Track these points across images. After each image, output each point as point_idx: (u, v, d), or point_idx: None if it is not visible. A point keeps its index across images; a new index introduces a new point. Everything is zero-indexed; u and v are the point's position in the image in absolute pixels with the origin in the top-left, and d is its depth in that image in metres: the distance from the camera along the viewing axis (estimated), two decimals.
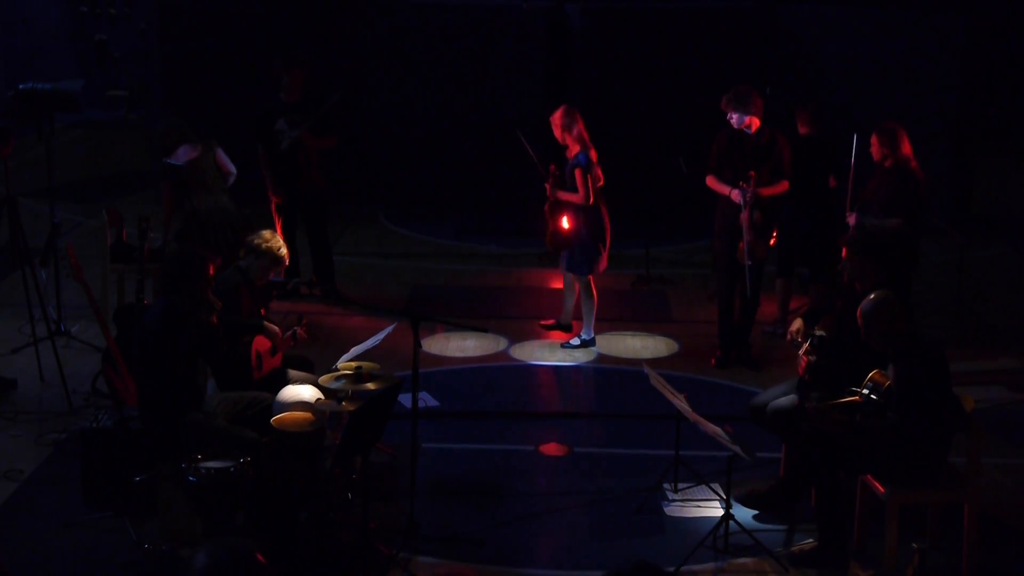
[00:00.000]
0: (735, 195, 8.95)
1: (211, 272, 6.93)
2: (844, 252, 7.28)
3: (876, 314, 6.50)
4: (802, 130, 9.80)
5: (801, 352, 7.21)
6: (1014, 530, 7.16)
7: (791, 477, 7.19)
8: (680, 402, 7.03)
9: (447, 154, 13.52)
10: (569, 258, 9.62)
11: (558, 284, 11.50)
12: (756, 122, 8.97)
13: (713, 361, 9.40)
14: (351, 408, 6.58)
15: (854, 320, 6.82)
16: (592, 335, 9.73)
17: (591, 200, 9.39)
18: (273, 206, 10.51)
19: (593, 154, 9.47)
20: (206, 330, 6.92)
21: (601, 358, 9.67)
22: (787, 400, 7.26)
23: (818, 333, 7.16)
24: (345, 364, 7.07)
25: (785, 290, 10.00)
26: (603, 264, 9.60)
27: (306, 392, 7.01)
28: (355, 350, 7.59)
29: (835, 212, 9.78)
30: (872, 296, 6.57)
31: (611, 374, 9.40)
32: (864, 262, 7.15)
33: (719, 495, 7.19)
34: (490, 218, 13.17)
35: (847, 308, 7.12)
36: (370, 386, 6.71)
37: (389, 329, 7.74)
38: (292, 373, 7.50)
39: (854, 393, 6.65)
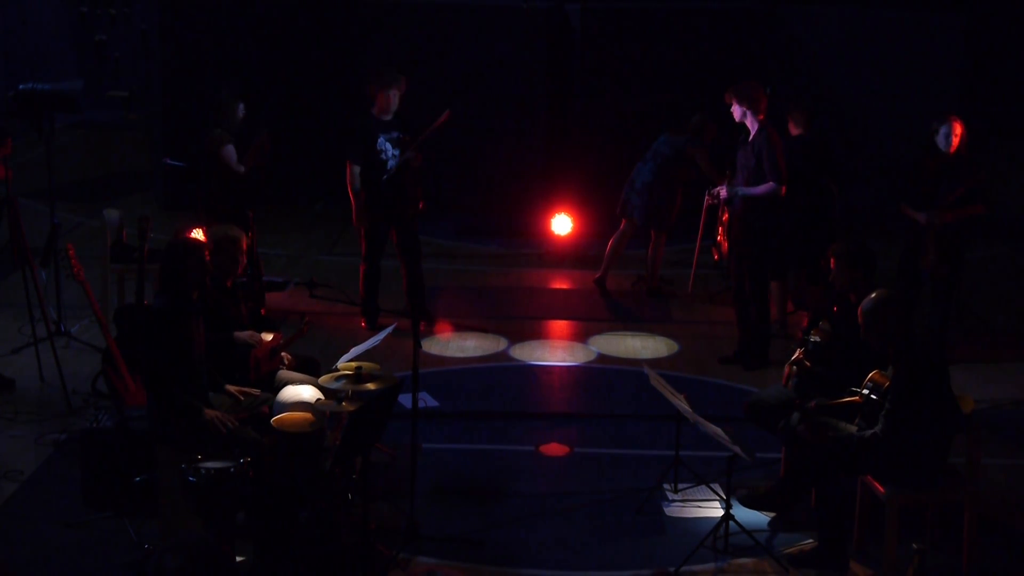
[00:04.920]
0: (707, 197, 9.31)
1: (207, 257, 6.94)
2: (832, 263, 7.30)
3: (876, 313, 6.50)
4: (794, 131, 9.81)
5: (791, 360, 7.23)
6: (1014, 530, 7.16)
7: (791, 477, 7.19)
8: (680, 402, 7.03)
9: (447, 154, 13.52)
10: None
11: (558, 284, 11.54)
12: (748, 117, 9.00)
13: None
14: (351, 408, 6.58)
15: (850, 326, 6.84)
16: None
17: None
18: (362, 231, 9.96)
19: None
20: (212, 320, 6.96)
21: (601, 358, 9.68)
22: (777, 392, 7.29)
23: (813, 339, 7.17)
24: (345, 364, 7.06)
25: (781, 292, 10.01)
26: None
27: (306, 392, 7.01)
28: (355, 350, 7.58)
29: (827, 214, 9.82)
30: (873, 295, 6.57)
31: (611, 374, 9.40)
32: (852, 272, 7.15)
33: (719, 495, 7.20)
34: (490, 218, 13.17)
35: (843, 315, 7.13)
36: (370, 386, 6.71)
37: (389, 329, 7.74)
38: (289, 374, 7.49)
39: (854, 393, 6.66)
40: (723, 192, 9.13)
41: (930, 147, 8.95)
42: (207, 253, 7.03)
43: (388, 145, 9.74)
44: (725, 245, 9.18)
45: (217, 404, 6.98)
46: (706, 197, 9.50)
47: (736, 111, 9.03)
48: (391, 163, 9.73)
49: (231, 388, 7.03)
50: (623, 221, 10.93)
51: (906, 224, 9.19)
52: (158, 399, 6.65)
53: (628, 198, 10.83)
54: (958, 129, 8.85)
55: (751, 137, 9.03)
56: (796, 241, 9.74)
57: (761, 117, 8.98)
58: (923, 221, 8.93)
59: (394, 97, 9.78)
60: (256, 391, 7.11)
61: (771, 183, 8.95)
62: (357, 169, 9.78)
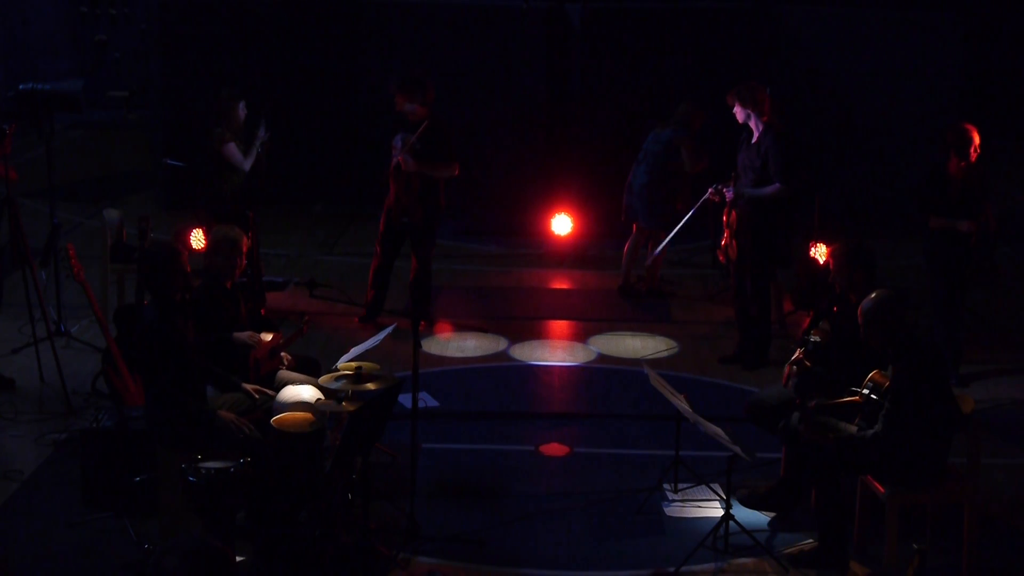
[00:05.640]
0: (710, 193, 9.33)
1: (186, 261, 6.94)
2: (832, 265, 7.30)
3: (876, 313, 6.50)
4: None
5: (791, 360, 7.23)
6: (1014, 530, 7.16)
7: (791, 477, 7.20)
8: (680, 402, 7.04)
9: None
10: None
11: (558, 284, 11.54)
12: (752, 119, 9.00)
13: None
14: (351, 408, 6.58)
15: (850, 326, 6.84)
16: None
17: None
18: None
19: None
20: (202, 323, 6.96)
21: (601, 358, 9.68)
22: (777, 392, 7.29)
23: (813, 339, 7.17)
24: (345, 364, 7.07)
25: (778, 292, 10.01)
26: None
27: (306, 392, 7.01)
28: (355, 350, 7.59)
29: (799, 212, 9.82)
30: (873, 295, 6.57)
31: (611, 374, 9.40)
32: (851, 272, 7.15)
33: (719, 495, 7.20)
34: (490, 218, 13.17)
35: (843, 315, 7.13)
36: (370, 386, 6.71)
37: (389, 329, 7.75)
38: (289, 374, 7.49)
39: (854, 393, 6.66)
40: (729, 194, 9.12)
41: (948, 157, 8.87)
42: (185, 257, 7.02)
43: (400, 143, 9.74)
44: (734, 247, 9.15)
45: (222, 402, 6.98)
46: (709, 191, 9.46)
47: (739, 113, 9.01)
48: (394, 160, 9.76)
49: (248, 387, 7.04)
50: (634, 226, 10.88)
51: (936, 236, 8.95)
52: (168, 408, 6.65)
53: (630, 203, 10.80)
54: (976, 138, 8.82)
55: (755, 138, 9.03)
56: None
57: (765, 118, 8.97)
58: (965, 229, 8.84)
59: (403, 105, 9.74)
60: (271, 391, 7.12)
61: (778, 184, 8.95)
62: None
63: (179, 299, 6.82)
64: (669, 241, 10.30)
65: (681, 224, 10.10)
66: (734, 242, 9.16)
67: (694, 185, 10.84)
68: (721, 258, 9.43)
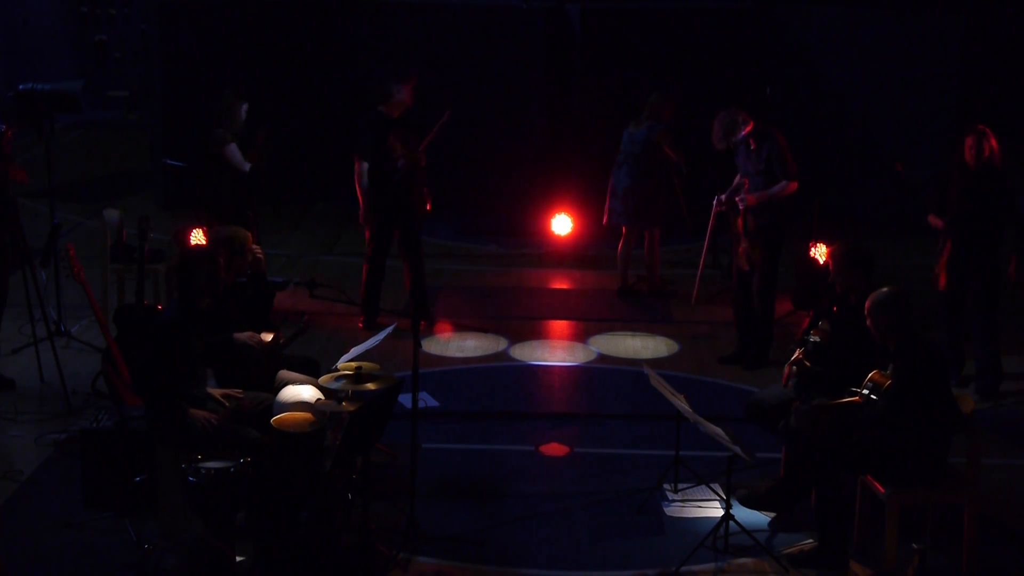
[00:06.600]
0: (716, 204, 9.46)
1: (223, 266, 6.98)
2: (832, 265, 7.31)
3: (885, 307, 6.51)
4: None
5: (791, 360, 7.22)
6: (1014, 530, 7.16)
7: (791, 477, 7.20)
8: (680, 402, 7.04)
9: (447, 154, 13.51)
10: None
11: (558, 284, 11.54)
12: (748, 129, 9.07)
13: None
14: (351, 408, 6.58)
15: (849, 326, 6.84)
16: None
17: None
18: (368, 231, 9.93)
19: None
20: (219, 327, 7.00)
21: (601, 358, 9.68)
22: (777, 392, 7.30)
23: (813, 339, 7.17)
24: (345, 364, 7.07)
25: None
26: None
27: (306, 392, 7.02)
28: (355, 350, 7.59)
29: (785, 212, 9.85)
30: (885, 289, 6.58)
31: (611, 374, 9.40)
32: (851, 272, 7.15)
33: (719, 495, 7.20)
34: (490, 218, 13.17)
35: (842, 315, 7.14)
36: (370, 386, 6.71)
37: (389, 329, 7.75)
38: (289, 374, 7.49)
39: (854, 393, 6.66)
40: (740, 204, 9.12)
41: (960, 162, 8.83)
42: (221, 257, 7.07)
43: (398, 144, 9.69)
44: (757, 253, 9.15)
45: (215, 407, 6.98)
46: (714, 203, 9.48)
47: (738, 140, 9.08)
48: (399, 162, 9.69)
49: (214, 392, 7.01)
50: (623, 228, 10.86)
51: (938, 236, 8.94)
52: (146, 399, 6.68)
53: (613, 207, 10.73)
54: (993, 140, 8.79)
55: (754, 145, 9.06)
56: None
57: (752, 125, 9.03)
58: (938, 225, 8.81)
59: (409, 95, 9.71)
60: (238, 392, 7.07)
61: (783, 182, 8.98)
62: (365, 166, 9.76)
63: (203, 306, 6.86)
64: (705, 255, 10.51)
65: (707, 241, 10.34)
66: (755, 249, 9.13)
67: (678, 182, 10.91)
68: (745, 266, 9.32)
